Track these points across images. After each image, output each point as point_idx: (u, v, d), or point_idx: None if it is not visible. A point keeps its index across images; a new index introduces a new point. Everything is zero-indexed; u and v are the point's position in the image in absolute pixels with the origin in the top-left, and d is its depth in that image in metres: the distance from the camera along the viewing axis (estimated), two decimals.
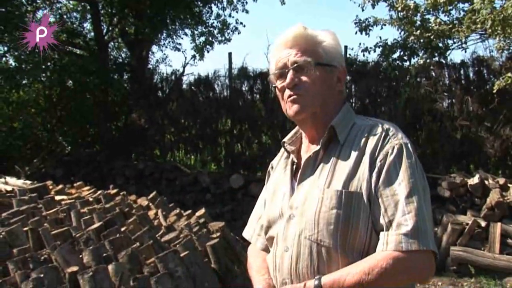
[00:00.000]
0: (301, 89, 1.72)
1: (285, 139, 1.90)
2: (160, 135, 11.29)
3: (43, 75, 10.95)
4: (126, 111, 12.03)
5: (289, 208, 1.71)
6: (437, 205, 7.12)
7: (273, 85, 1.83)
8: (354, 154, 1.65)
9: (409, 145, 1.64)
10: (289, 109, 1.75)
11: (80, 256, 3.32)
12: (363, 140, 1.67)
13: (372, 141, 1.65)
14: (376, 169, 1.60)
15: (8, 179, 5.75)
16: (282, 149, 1.95)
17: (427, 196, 1.61)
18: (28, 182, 5.72)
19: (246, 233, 2.08)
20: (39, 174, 9.72)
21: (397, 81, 9.32)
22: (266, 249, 1.92)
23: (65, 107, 11.80)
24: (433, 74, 9.02)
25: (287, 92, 1.74)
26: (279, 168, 1.92)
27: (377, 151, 1.62)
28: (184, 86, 11.59)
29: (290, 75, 1.72)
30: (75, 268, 3.01)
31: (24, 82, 10.58)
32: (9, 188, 5.10)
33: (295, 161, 1.83)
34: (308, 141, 1.82)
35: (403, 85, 9.18)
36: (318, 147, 1.72)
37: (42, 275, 2.91)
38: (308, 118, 1.75)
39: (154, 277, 3.12)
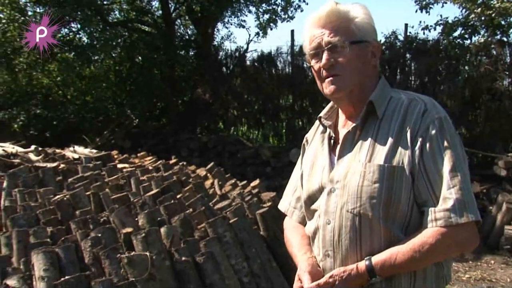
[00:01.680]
0: (337, 69, 1.71)
1: (322, 114, 1.91)
2: (224, 110, 11.54)
3: (114, 51, 11.36)
4: (191, 86, 12.31)
5: (330, 182, 1.74)
6: (493, 184, 6.99)
7: (309, 65, 1.84)
8: (393, 129, 1.65)
9: (448, 118, 1.64)
10: (326, 88, 1.75)
11: (136, 219, 3.54)
12: (402, 114, 1.67)
13: (411, 116, 1.64)
14: (418, 144, 1.60)
15: (76, 148, 6.08)
16: (317, 123, 1.96)
17: (467, 165, 1.62)
18: (94, 151, 6.03)
19: (282, 206, 2.09)
20: (109, 145, 10.15)
21: (457, 60, 9.07)
22: (302, 222, 1.96)
23: (134, 82, 12.17)
24: (494, 52, 8.68)
25: (324, 72, 1.75)
26: (315, 142, 1.93)
27: (418, 125, 1.62)
28: (248, 62, 11.76)
29: (325, 55, 1.71)
30: (129, 229, 3.23)
31: (95, 58, 11.02)
32: (76, 156, 5.41)
33: (333, 135, 1.84)
34: (345, 117, 1.83)
35: (463, 64, 8.94)
36: (357, 122, 1.73)
37: (100, 235, 3.14)
38: (345, 96, 1.75)
39: (203, 240, 3.29)
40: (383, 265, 1.60)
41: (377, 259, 1.61)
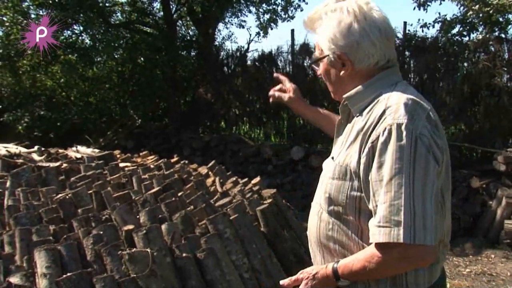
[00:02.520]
0: None
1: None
2: (225, 109, 11.59)
3: (116, 52, 11.42)
4: (193, 86, 12.39)
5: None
6: (492, 179, 7.06)
7: None
8: (356, 129, 1.61)
9: (403, 126, 1.46)
10: None
11: (138, 216, 3.58)
12: (368, 115, 1.59)
13: (371, 119, 1.56)
14: (367, 150, 1.52)
15: (79, 147, 6.11)
16: None
17: (426, 186, 1.44)
18: (97, 150, 6.06)
19: None
20: (112, 145, 10.20)
21: (455, 57, 9.12)
22: None
23: (136, 83, 12.24)
24: (492, 49, 8.68)
25: None
26: None
27: (371, 130, 1.53)
28: (249, 62, 11.84)
29: None
30: (131, 227, 3.25)
31: (98, 59, 11.09)
32: (79, 156, 5.44)
33: None
34: None
35: (462, 60, 9.00)
36: (339, 118, 1.81)
37: (101, 232, 3.17)
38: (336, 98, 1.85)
39: (204, 237, 3.32)
40: (344, 269, 1.60)
41: (341, 262, 1.62)
